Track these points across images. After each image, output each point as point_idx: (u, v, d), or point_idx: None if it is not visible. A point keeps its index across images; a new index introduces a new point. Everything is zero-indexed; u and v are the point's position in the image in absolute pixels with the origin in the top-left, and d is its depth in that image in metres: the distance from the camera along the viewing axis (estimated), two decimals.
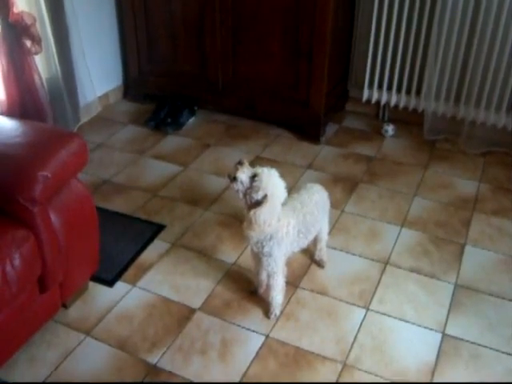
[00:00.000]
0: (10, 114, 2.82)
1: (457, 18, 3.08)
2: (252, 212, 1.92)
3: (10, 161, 1.82)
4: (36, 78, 2.89)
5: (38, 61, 2.93)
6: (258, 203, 1.93)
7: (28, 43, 2.78)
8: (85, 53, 3.29)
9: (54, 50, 3.05)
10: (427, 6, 3.13)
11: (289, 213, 2.09)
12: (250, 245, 2.14)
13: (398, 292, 2.34)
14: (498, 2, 2.95)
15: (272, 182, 1.94)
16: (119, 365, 2.01)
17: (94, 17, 3.49)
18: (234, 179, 1.95)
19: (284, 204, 2.08)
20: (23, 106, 2.91)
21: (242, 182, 1.95)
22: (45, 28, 2.95)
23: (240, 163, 1.97)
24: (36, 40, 2.80)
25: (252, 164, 3.12)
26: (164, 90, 3.70)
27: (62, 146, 1.90)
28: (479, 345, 2.11)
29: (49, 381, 1.95)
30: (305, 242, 2.21)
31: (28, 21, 2.74)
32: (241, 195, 1.98)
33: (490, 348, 2.10)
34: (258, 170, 1.96)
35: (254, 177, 1.94)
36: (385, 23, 3.26)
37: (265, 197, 1.92)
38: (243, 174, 1.94)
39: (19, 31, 2.73)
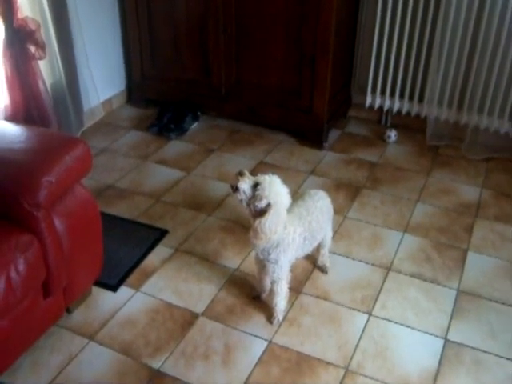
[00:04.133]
0: (14, 119, 2.83)
1: (460, 24, 3.09)
2: (257, 221, 1.92)
3: (15, 166, 1.84)
4: (40, 83, 2.90)
5: (42, 66, 2.94)
6: (263, 212, 1.93)
7: (32, 49, 2.79)
8: (88, 58, 3.32)
9: (58, 55, 3.06)
10: (430, 12, 3.14)
11: (295, 220, 2.09)
12: (255, 252, 2.14)
13: (401, 298, 2.34)
14: (501, 8, 2.97)
15: (274, 189, 1.94)
16: (122, 369, 2.02)
17: (97, 22, 3.51)
18: (236, 189, 1.96)
19: (289, 211, 2.08)
20: (27, 112, 2.92)
21: (244, 192, 1.95)
22: (49, 33, 2.97)
23: (241, 174, 1.96)
24: (40, 45, 2.82)
25: (255, 170, 3.15)
26: (167, 96, 3.71)
27: (67, 152, 1.91)
28: (481, 351, 2.12)
29: None
30: (309, 249, 2.22)
31: (32, 26, 2.76)
32: (244, 205, 1.99)
33: (492, 354, 2.10)
34: (260, 178, 1.96)
35: (255, 186, 1.94)
36: (388, 29, 3.28)
37: (268, 205, 1.92)
38: (245, 184, 1.94)
39: (23, 37, 2.75)
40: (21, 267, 1.72)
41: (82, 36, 3.23)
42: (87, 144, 2.00)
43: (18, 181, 1.79)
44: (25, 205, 1.77)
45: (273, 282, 2.15)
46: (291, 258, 2.13)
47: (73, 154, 1.92)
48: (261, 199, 1.92)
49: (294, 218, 2.09)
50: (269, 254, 2.06)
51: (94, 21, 3.46)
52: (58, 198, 1.90)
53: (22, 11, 2.74)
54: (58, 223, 1.89)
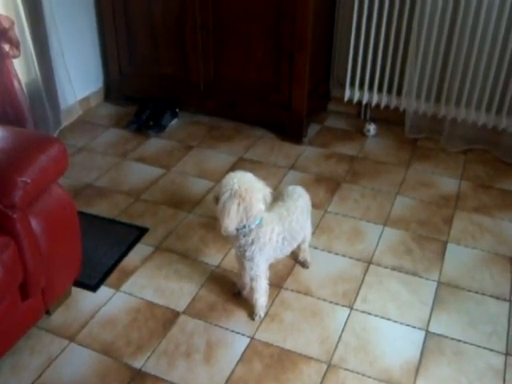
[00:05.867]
0: None
1: (436, 17, 3.10)
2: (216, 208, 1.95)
3: None
4: (15, 82, 2.85)
5: (17, 65, 2.89)
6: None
7: (6, 47, 2.74)
8: (64, 55, 3.27)
9: (33, 53, 3.02)
10: (407, 6, 3.15)
11: (274, 219, 2.08)
12: (233, 247, 2.14)
13: (382, 291, 2.36)
14: (477, 2, 2.98)
15: (226, 178, 1.96)
16: (104, 370, 2.00)
17: (73, 19, 3.46)
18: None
19: (269, 210, 2.07)
20: (2, 111, 2.88)
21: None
22: (23, 31, 2.92)
23: (216, 200, 1.98)
24: (14, 44, 2.77)
25: (235, 166, 3.14)
26: (145, 93, 3.68)
27: (42, 151, 1.88)
28: (462, 341, 2.14)
29: None
30: (289, 250, 2.21)
31: (6, 24, 2.71)
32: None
33: (472, 344, 2.12)
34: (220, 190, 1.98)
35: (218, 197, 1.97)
36: (365, 23, 3.28)
37: (223, 194, 1.93)
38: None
39: None
40: None
41: (58, 33, 3.19)
42: (63, 143, 1.97)
43: None
44: (0, 206, 1.75)
45: (251, 279, 2.15)
46: (269, 257, 2.12)
47: (48, 154, 1.89)
48: (223, 194, 1.93)
49: (273, 218, 2.08)
50: (245, 251, 2.05)
51: (69, 17, 3.41)
52: (34, 199, 1.87)
53: None
54: (34, 224, 1.86)
